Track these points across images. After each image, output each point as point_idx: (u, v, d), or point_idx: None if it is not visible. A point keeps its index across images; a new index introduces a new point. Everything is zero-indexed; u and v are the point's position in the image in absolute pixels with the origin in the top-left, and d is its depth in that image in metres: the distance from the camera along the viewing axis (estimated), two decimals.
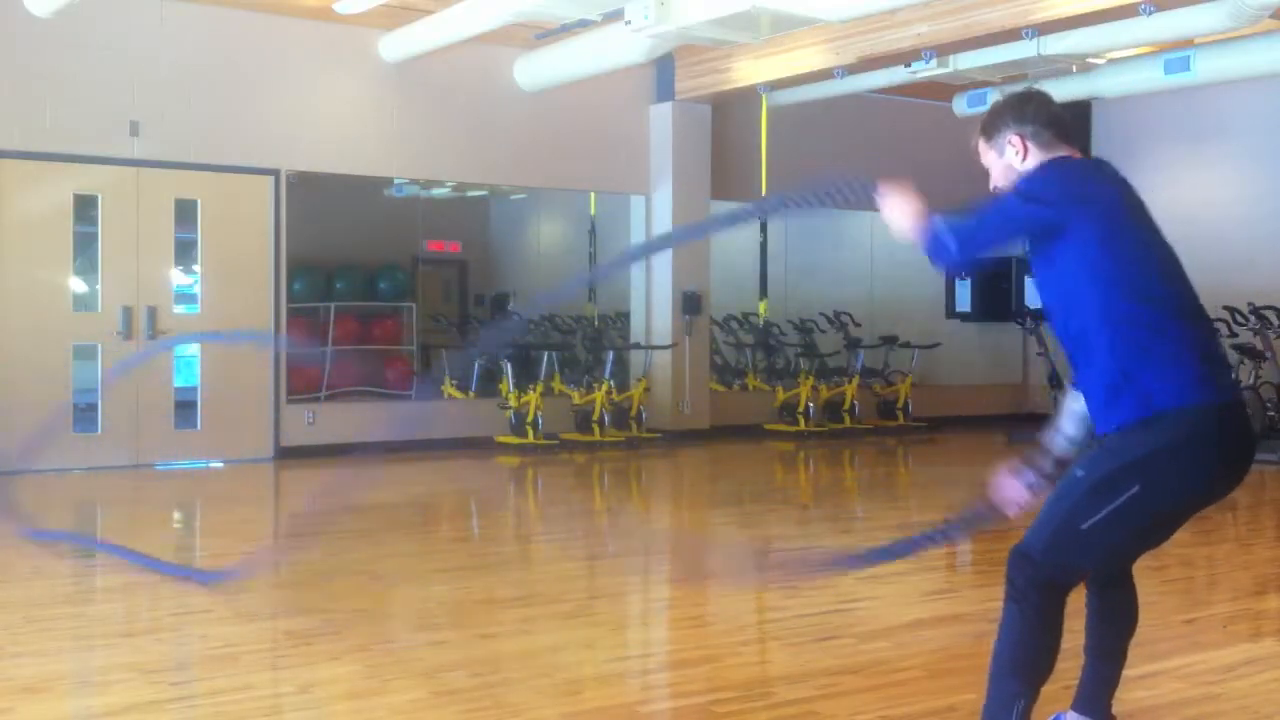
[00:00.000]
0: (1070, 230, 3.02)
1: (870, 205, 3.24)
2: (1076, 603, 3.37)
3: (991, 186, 3.29)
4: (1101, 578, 3.34)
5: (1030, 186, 3.10)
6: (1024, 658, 3.07)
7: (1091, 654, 3.38)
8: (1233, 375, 3.16)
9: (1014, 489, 3.25)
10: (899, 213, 3.14)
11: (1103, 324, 3.02)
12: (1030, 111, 3.22)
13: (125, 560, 6.32)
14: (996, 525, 3.33)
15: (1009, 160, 3.22)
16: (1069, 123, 3.27)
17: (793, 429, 13.15)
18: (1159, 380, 2.98)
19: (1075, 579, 3.12)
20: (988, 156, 3.28)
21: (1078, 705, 3.40)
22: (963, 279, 3.03)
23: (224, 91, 10.77)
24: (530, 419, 11.64)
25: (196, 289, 10.96)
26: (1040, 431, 3.39)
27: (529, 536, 8.14)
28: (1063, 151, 3.19)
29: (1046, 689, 3.13)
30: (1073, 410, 3.30)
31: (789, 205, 3.61)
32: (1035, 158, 3.19)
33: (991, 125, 3.26)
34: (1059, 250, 3.06)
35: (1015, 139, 3.21)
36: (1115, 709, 3.42)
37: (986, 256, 3.09)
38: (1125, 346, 3.00)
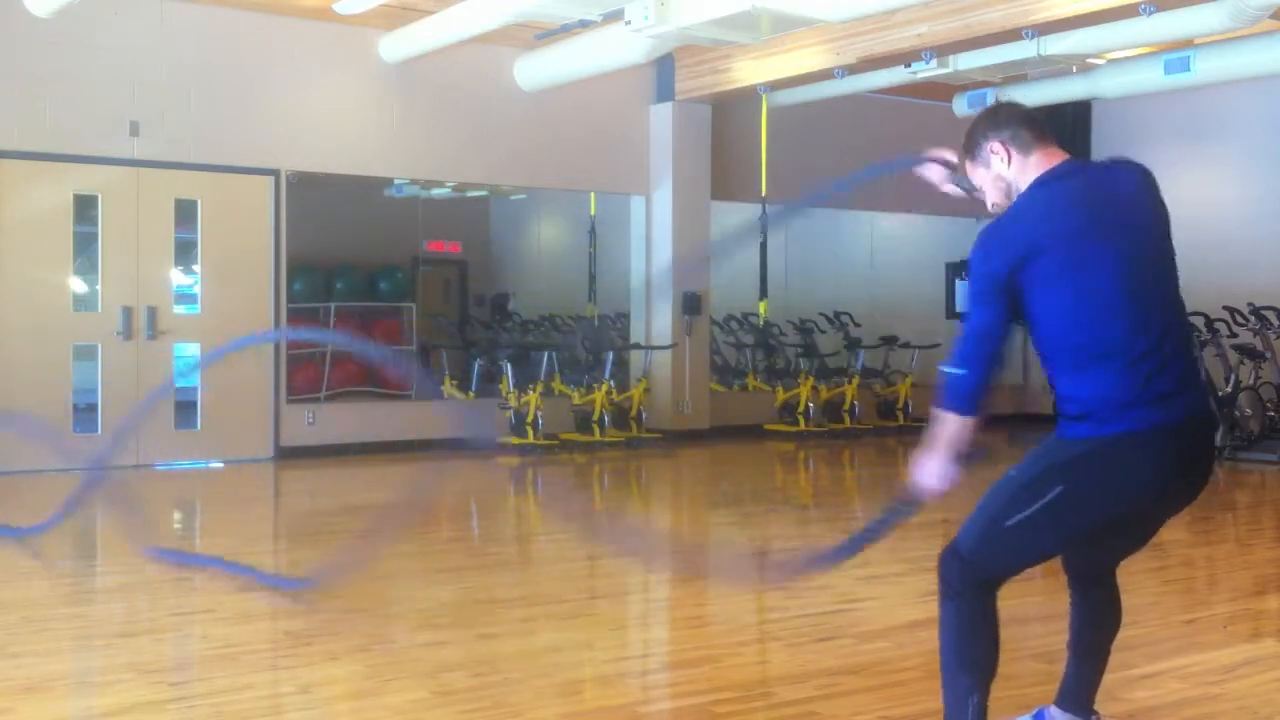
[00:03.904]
0: (1024, 280, 3.04)
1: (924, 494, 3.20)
2: (1055, 605, 3.37)
3: (989, 206, 3.28)
4: (1084, 577, 3.37)
5: (978, 256, 3.10)
6: (968, 654, 3.11)
7: (1075, 651, 3.40)
8: (1198, 390, 3.14)
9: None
10: (931, 457, 3.15)
11: (1058, 360, 3.08)
12: (1002, 118, 3.24)
13: None
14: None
15: (997, 170, 3.22)
16: (1043, 121, 3.28)
17: (793, 429, 13.14)
18: (1110, 410, 3.00)
19: (1004, 576, 3.15)
20: (977, 175, 3.29)
21: (1061, 702, 3.43)
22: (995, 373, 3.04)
23: (224, 91, 10.77)
24: (530, 419, 11.64)
25: (196, 289, 10.96)
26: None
27: (529, 536, 8.14)
28: (1039, 151, 3.18)
29: (1041, 689, 3.13)
30: None
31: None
32: (1019, 160, 3.18)
33: (971, 143, 3.28)
34: (1024, 292, 3.08)
35: (997, 146, 3.21)
36: (1116, 709, 3.43)
37: (996, 351, 3.07)
38: (1079, 380, 3.04)
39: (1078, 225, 3.06)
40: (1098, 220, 3.08)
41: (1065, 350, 3.06)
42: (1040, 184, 3.15)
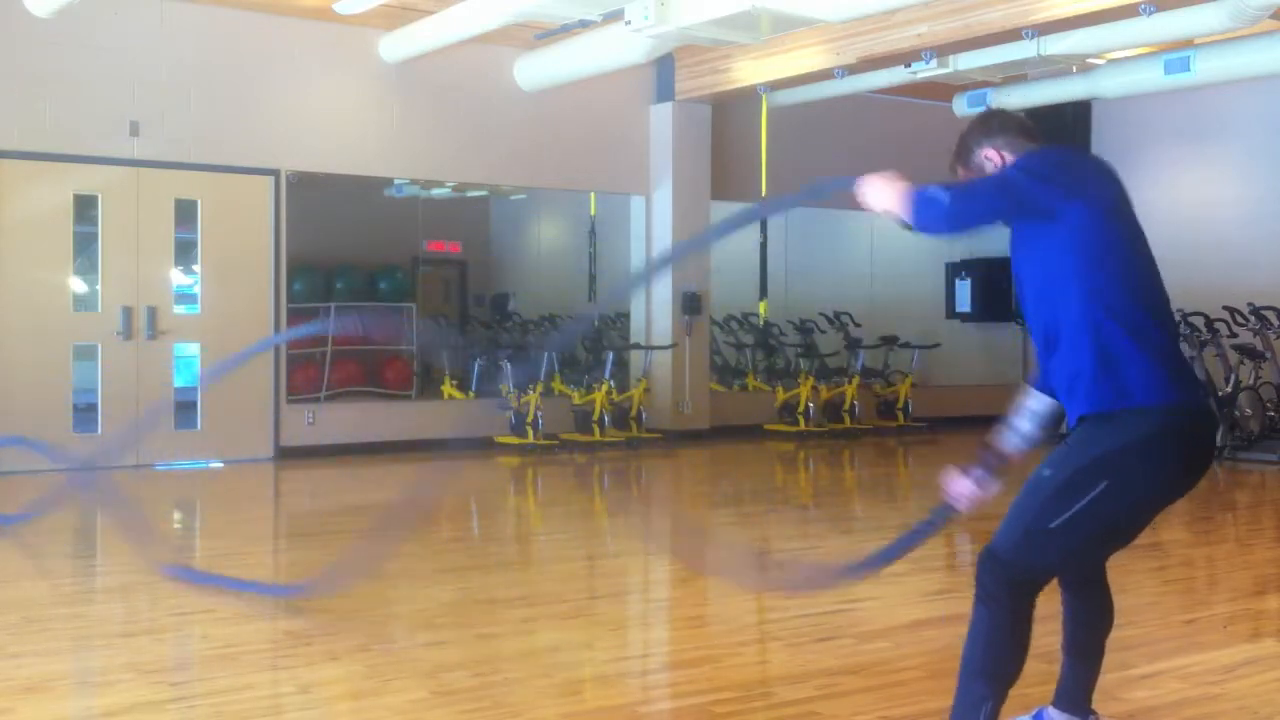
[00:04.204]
0: (1063, 215, 3.00)
1: (856, 201, 3.21)
2: (1053, 605, 3.37)
3: None
4: (1075, 577, 3.36)
5: (1031, 163, 3.08)
6: (993, 660, 3.05)
7: (1069, 652, 3.40)
8: (1199, 386, 3.17)
9: (963, 485, 3.28)
10: (880, 189, 3.11)
11: (1086, 312, 3.01)
12: (996, 125, 3.25)
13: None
14: (952, 519, 3.39)
15: None
16: (1035, 128, 3.28)
17: (793, 429, 13.14)
18: (1138, 375, 2.98)
19: (1045, 578, 3.11)
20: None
21: (1059, 702, 3.42)
22: (952, 235, 3.01)
23: (224, 91, 10.77)
24: (530, 419, 11.64)
25: (196, 289, 10.96)
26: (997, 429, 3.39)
27: (529, 536, 8.14)
28: None
29: (1041, 689, 3.13)
30: (1030, 408, 3.31)
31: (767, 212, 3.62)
32: None
33: (964, 149, 3.28)
34: (1046, 233, 3.04)
35: (991, 153, 3.21)
36: (1116, 709, 3.43)
37: (975, 223, 3.03)
38: (1107, 337, 2.99)
39: (1112, 194, 3.08)
40: (1119, 197, 3.10)
41: (1096, 310, 2.99)
42: (1066, 148, 3.20)
